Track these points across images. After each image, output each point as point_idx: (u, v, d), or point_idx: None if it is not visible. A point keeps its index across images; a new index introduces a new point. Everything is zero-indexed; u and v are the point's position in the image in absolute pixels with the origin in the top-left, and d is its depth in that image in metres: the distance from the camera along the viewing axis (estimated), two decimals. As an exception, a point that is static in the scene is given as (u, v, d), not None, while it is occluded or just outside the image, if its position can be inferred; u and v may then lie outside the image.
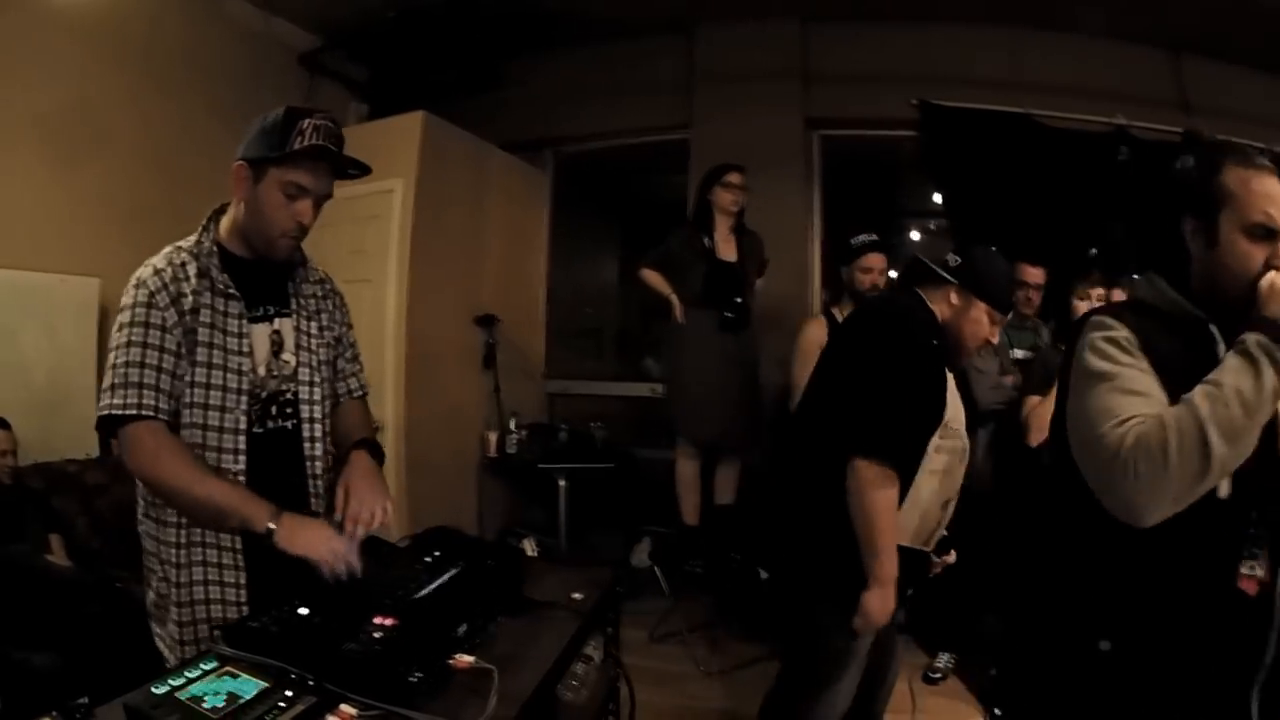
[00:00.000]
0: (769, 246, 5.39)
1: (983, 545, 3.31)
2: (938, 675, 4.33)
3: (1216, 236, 1.70)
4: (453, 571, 1.89)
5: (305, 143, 2.04)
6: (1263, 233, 1.65)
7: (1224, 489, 1.57)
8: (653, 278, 5.24)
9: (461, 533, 2.31)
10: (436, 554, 2.00)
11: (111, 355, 2.02)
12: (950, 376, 2.58)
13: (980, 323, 2.60)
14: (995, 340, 2.66)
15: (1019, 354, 4.44)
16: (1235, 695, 1.65)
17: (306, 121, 2.06)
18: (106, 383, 2.00)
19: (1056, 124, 5.59)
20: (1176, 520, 1.53)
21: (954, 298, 2.62)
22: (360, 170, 2.21)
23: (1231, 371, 1.52)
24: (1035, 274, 4.45)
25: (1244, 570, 1.61)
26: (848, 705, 2.73)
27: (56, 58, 4.58)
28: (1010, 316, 2.69)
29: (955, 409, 2.55)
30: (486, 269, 6.39)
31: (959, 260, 2.65)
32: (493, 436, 6.17)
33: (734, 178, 5.09)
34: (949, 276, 2.63)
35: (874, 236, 4.28)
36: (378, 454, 2.39)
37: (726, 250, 5.13)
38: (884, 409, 2.45)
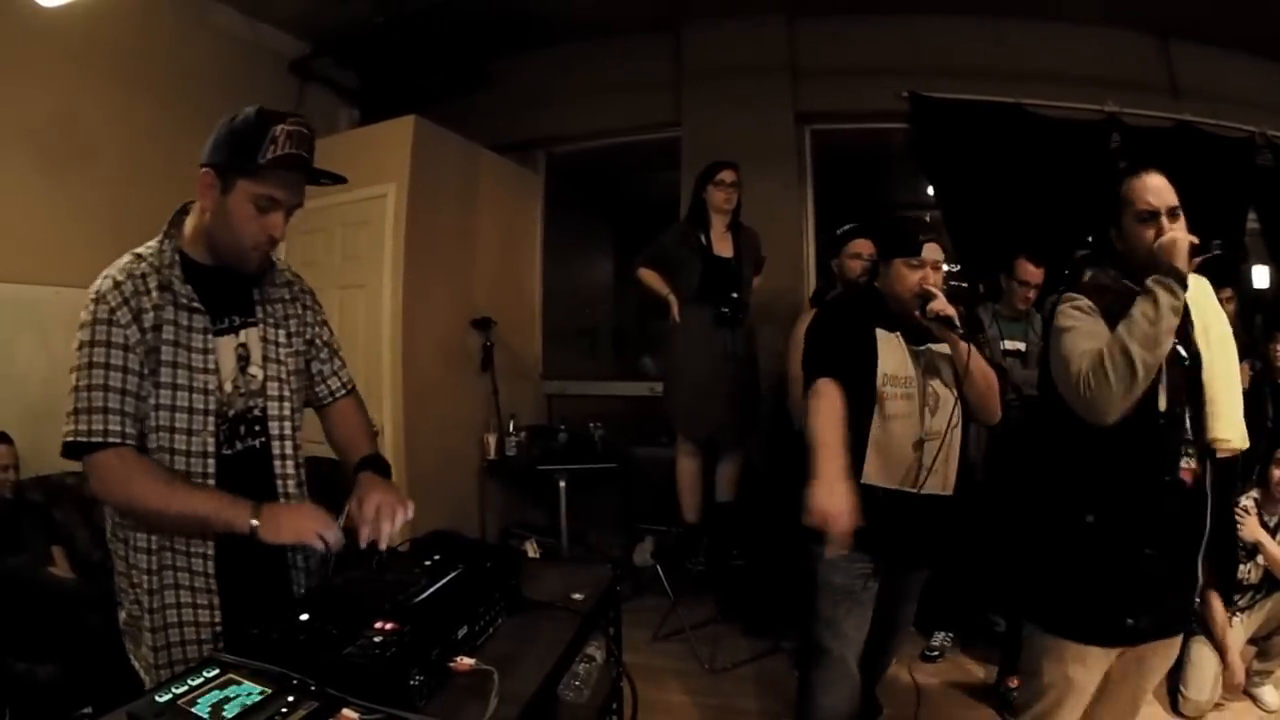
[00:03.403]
0: (763, 242, 5.39)
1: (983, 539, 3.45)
2: (935, 654, 4.41)
3: (1124, 231, 2.45)
4: (452, 574, 1.88)
5: (279, 152, 1.93)
6: (1147, 216, 2.38)
7: (1162, 401, 2.30)
8: (650, 277, 5.23)
9: (460, 535, 2.32)
10: (436, 557, 2.00)
11: (72, 377, 1.93)
12: (892, 336, 2.92)
13: (901, 276, 2.89)
14: (930, 284, 2.86)
15: (1008, 345, 4.49)
16: (1185, 561, 2.41)
17: (279, 128, 1.94)
18: (69, 407, 1.91)
19: (1047, 113, 5.60)
20: (1133, 427, 2.27)
21: (881, 269, 3.02)
22: (333, 180, 2.09)
23: (1138, 304, 2.24)
24: (1035, 273, 4.49)
25: (1182, 464, 2.35)
26: (855, 644, 3.00)
27: (46, 70, 4.58)
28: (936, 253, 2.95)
29: (897, 362, 2.89)
30: (481, 271, 6.40)
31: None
32: (492, 439, 6.16)
33: (726, 175, 5.08)
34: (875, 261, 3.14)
35: (857, 225, 4.38)
36: (384, 469, 2.32)
37: (722, 246, 5.12)
38: (816, 350, 2.99)
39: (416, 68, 6.56)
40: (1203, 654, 3.89)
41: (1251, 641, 4.05)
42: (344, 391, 2.47)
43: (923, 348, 2.94)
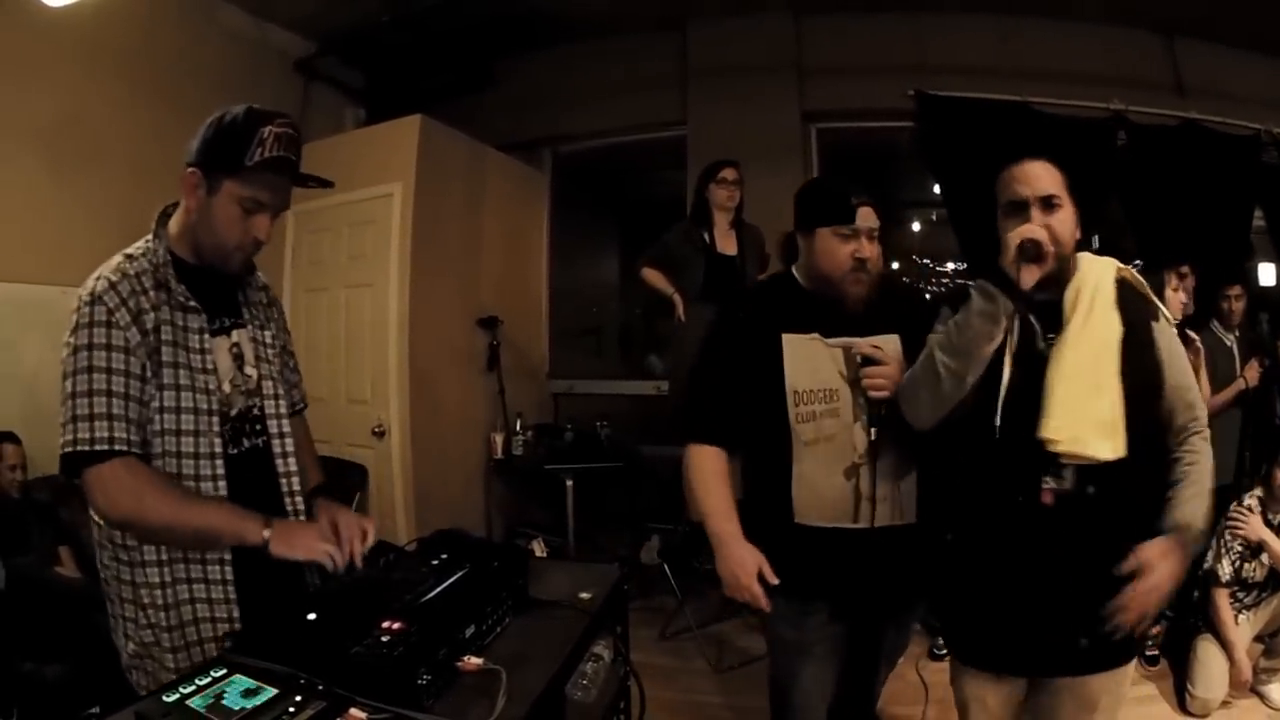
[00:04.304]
0: (770, 241, 5.39)
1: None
2: (943, 652, 4.39)
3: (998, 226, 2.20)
4: (460, 573, 1.88)
5: (267, 154, 1.90)
6: (1012, 208, 2.16)
7: (997, 419, 2.09)
8: (653, 276, 5.23)
9: (468, 534, 2.31)
10: (443, 556, 2.00)
11: (69, 383, 1.83)
12: (806, 338, 2.50)
13: (830, 249, 2.47)
14: (866, 254, 2.45)
15: None
16: (1058, 596, 2.09)
17: (268, 129, 1.91)
18: (67, 414, 1.82)
19: (1053, 110, 5.59)
20: (977, 440, 2.13)
21: (801, 244, 2.60)
22: (319, 184, 2.08)
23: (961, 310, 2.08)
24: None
25: (1045, 483, 2.08)
26: (817, 699, 2.61)
27: (53, 70, 4.59)
28: (871, 221, 2.49)
29: (811, 372, 2.48)
30: (487, 270, 6.41)
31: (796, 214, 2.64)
32: (498, 438, 6.17)
33: (728, 173, 5.08)
34: (792, 231, 2.66)
35: None
36: (337, 497, 2.33)
37: (726, 244, 5.12)
38: (695, 397, 2.78)
39: (422, 67, 6.59)
40: (1210, 652, 3.89)
41: (1258, 639, 4.05)
42: (302, 405, 2.48)
43: (849, 340, 2.49)
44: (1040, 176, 2.14)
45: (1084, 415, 2.04)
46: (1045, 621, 2.11)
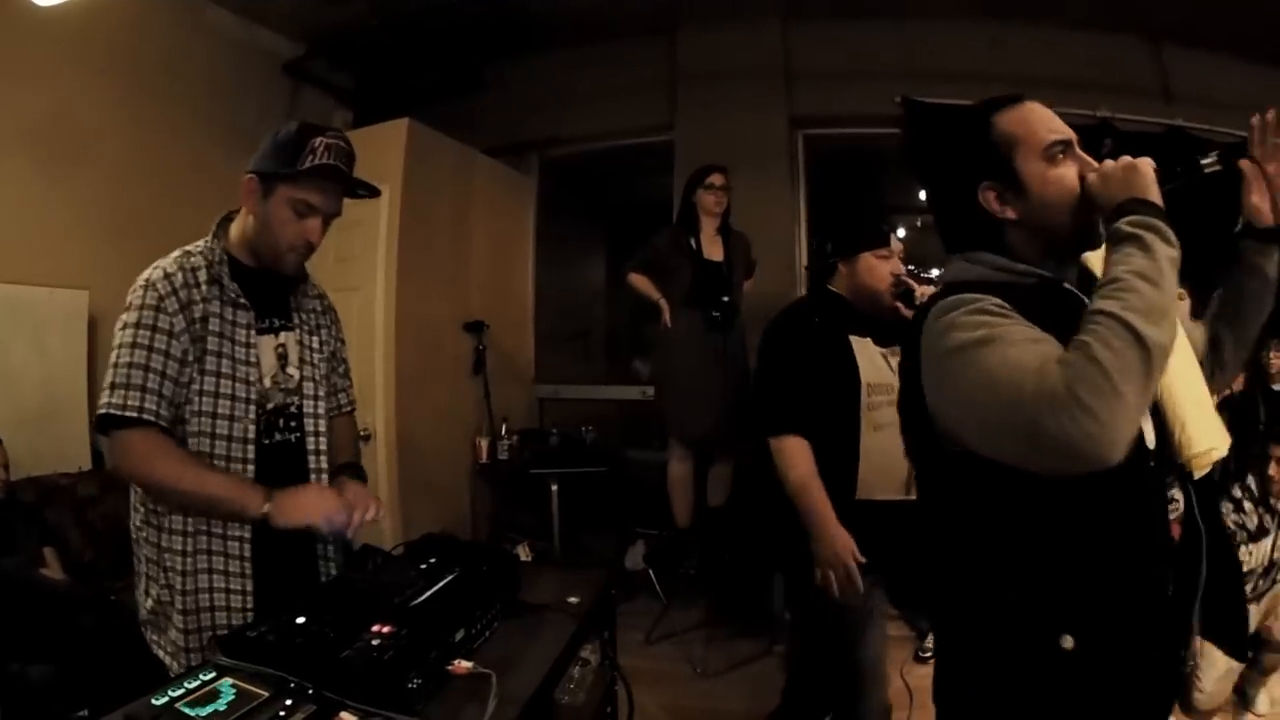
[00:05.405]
0: (755, 246, 5.40)
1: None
2: (929, 655, 4.39)
3: (1022, 183, 1.65)
4: (449, 577, 1.89)
5: (317, 161, 2.07)
6: (1061, 148, 1.67)
7: (1150, 433, 1.51)
8: (640, 282, 5.24)
9: (456, 538, 2.32)
10: (432, 560, 2.00)
11: (114, 354, 2.03)
12: (865, 342, 2.89)
13: (872, 268, 2.92)
14: (901, 270, 2.90)
15: None
16: (1179, 616, 1.58)
17: (319, 140, 2.08)
18: (108, 380, 2.01)
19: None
20: (1115, 480, 1.31)
21: (842, 269, 3.00)
22: (369, 192, 2.26)
23: (1120, 260, 1.38)
24: None
25: (1170, 515, 1.59)
26: (881, 665, 2.96)
27: (41, 69, 4.57)
28: (898, 244, 2.98)
29: (876, 369, 2.85)
30: (474, 274, 6.40)
31: (827, 241, 3.11)
32: (484, 442, 6.17)
33: (716, 179, 5.10)
34: (827, 260, 3.07)
35: None
36: (360, 476, 2.47)
37: (713, 250, 5.14)
38: (768, 394, 2.95)
39: (410, 70, 6.57)
40: (1213, 649, 3.89)
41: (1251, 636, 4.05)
42: (349, 408, 2.63)
43: (891, 349, 2.91)
44: (1057, 117, 1.74)
45: (1208, 413, 1.61)
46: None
